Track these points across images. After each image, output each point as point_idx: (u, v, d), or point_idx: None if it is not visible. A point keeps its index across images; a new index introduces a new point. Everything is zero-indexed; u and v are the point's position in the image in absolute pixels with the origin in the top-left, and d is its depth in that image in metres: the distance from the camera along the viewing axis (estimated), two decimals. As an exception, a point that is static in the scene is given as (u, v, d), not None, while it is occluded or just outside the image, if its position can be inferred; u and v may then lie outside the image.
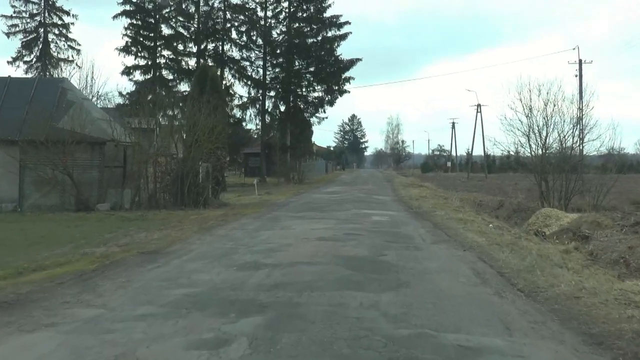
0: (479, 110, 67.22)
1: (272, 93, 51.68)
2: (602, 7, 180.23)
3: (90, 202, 20.21)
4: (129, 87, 47.31)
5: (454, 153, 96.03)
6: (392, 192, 33.49)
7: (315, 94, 50.97)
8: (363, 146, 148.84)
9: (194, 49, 50.37)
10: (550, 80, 27.45)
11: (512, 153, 28.83)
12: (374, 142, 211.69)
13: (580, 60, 40.59)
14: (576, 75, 38.08)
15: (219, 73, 51.24)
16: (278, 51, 51.00)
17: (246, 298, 6.74)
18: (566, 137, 26.43)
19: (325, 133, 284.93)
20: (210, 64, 51.56)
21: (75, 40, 55.55)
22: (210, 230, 13.94)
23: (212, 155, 21.52)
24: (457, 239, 12.47)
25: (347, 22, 49.22)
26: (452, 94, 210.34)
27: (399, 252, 10.37)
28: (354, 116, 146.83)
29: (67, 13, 55.05)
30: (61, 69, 51.42)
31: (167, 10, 48.80)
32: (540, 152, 26.69)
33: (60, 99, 21.44)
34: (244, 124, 52.39)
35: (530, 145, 27.17)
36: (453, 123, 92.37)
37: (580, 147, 26.72)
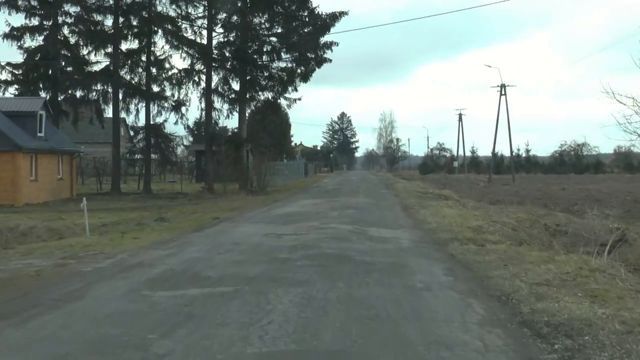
0: (503, 92, 51.46)
1: (224, 64, 36.50)
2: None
3: None
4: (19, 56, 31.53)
5: (460, 152, 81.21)
6: (402, 212, 18.22)
7: (282, 64, 35.93)
8: (354, 146, 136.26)
9: (111, 2, 35.42)
10: None
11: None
12: (365, 143, 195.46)
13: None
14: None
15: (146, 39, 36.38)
16: (229, 5, 35.81)
17: None
18: None
19: (313, 131, 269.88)
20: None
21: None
22: None
23: None
24: None
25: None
26: (448, 91, 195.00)
27: None
28: (343, 114, 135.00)
29: None
30: None
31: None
32: None
33: None
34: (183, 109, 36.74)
35: None
36: (460, 114, 77.70)
37: None
